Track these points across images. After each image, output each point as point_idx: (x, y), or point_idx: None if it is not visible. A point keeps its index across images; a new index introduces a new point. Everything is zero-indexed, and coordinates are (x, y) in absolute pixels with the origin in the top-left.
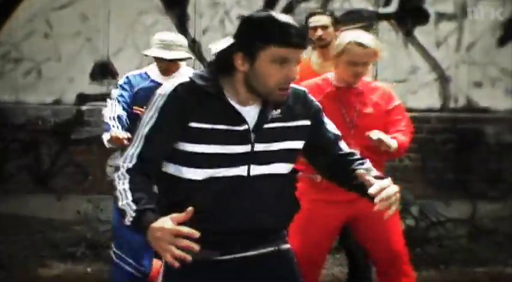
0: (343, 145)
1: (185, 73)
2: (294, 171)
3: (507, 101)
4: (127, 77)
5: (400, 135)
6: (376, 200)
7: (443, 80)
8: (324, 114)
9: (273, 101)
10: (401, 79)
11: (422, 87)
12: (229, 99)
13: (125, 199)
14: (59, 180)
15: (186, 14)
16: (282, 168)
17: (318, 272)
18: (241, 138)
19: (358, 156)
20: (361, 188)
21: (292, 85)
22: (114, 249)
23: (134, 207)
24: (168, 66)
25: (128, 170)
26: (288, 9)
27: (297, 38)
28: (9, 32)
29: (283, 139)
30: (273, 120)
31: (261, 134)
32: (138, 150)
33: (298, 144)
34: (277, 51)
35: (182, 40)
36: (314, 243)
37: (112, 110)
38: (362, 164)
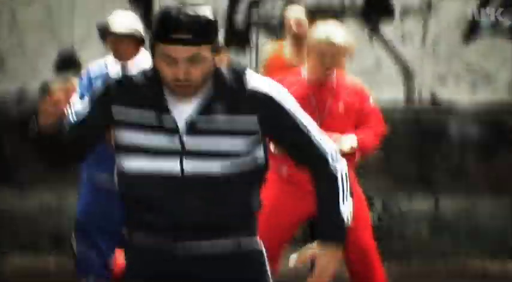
0: (307, 150)
1: (142, 59)
2: (247, 171)
3: (471, 96)
4: (87, 69)
5: (364, 134)
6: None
7: (407, 74)
8: (293, 117)
9: (177, 93)
10: (366, 73)
11: (386, 82)
12: (168, 91)
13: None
14: (23, 172)
15: (151, 6)
16: (219, 166)
17: (275, 262)
18: (168, 130)
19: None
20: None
21: (257, 81)
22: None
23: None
24: (116, 45)
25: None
26: (254, 3)
27: (174, 32)
28: None
29: (222, 134)
30: (214, 113)
31: (193, 126)
32: (68, 123)
33: (242, 141)
34: (159, 48)
35: (137, 22)
36: (276, 231)
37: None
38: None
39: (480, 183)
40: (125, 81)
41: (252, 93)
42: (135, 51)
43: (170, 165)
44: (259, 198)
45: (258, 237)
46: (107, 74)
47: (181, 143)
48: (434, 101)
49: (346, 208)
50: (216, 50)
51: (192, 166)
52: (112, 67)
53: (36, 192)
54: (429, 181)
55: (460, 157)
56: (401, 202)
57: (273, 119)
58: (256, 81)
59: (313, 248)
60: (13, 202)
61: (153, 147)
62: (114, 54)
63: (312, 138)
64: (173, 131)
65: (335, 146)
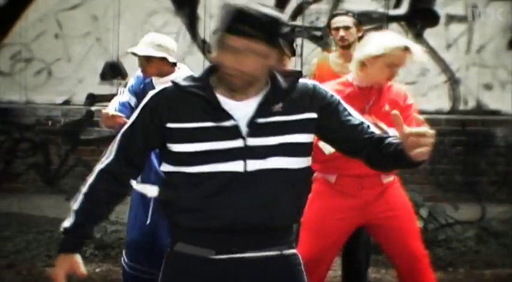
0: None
1: (180, 75)
2: (304, 168)
3: None
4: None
5: None
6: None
7: (453, 82)
8: (343, 106)
9: (231, 86)
10: (411, 81)
11: (431, 90)
12: (219, 95)
13: (75, 205)
14: (68, 180)
15: (196, 14)
16: (284, 162)
17: (325, 273)
18: (230, 133)
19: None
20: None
21: (302, 80)
22: (125, 260)
23: (68, 224)
24: (143, 66)
25: (100, 170)
26: (299, 11)
27: (237, 24)
28: (20, 32)
29: (283, 133)
30: (273, 114)
31: (256, 128)
32: (116, 145)
33: (303, 138)
34: (223, 37)
35: (166, 42)
36: (324, 245)
37: (119, 97)
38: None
39: None
40: (173, 93)
41: (301, 91)
42: (164, 69)
43: (234, 166)
44: (304, 208)
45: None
46: (151, 82)
47: (245, 144)
48: (480, 108)
49: None
50: (282, 52)
51: (254, 165)
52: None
53: None
54: (475, 189)
55: (506, 165)
56: (448, 211)
57: (330, 110)
58: (306, 81)
59: None
60: (59, 210)
61: (214, 150)
62: (143, 73)
63: (364, 121)
64: (236, 134)
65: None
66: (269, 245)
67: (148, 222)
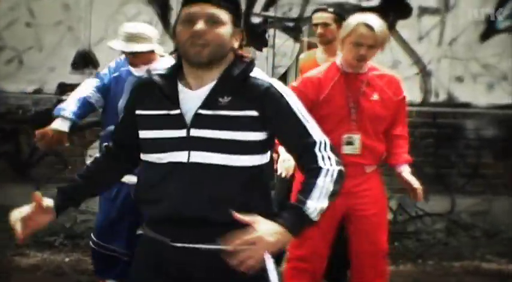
0: (308, 155)
1: (161, 65)
2: (251, 166)
3: (488, 97)
4: (116, 60)
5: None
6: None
7: (424, 74)
8: (290, 110)
9: (190, 60)
10: None
11: (403, 81)
12: (180, 85)
13: (78, 172)
14: (39, 170)
15: (169, 4)
16: (224, 159)
17: (324, 264)
18: (176, 122)
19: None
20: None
21: (260, 77)
22: (94, 238)
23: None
24: (131, 60)
25: (105, 146)
26: (271, 1)
27: None
28: None
29: (226, 128)
30: (219, 107)
31: (200, 119)
32: (114, 129)
33: (246, 136)
34: (183, 11)
35: (148, 32)
36: (312, 236)
37: (82, 89)
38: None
39: (496, 184)
40: (145, 82)
41: (253, 87)
42: (151, 58)
43: (179, 156)
44: (266, 200)
45: None
46: (128, 70)
47: (188, 135)
48: (451, 101)
49: (316, 205)
50: (237, 26)
51: (197, 157)
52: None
53: (51, 190)
54: (445, 182)
55: (476, 157)
56: (418, 203)
57: (273, 112)
58: (259, 75)
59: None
60: (29, 199)
61: (165, 139)
62: (130, 65)
63: (308, 129)
64: (181, 124)
65: (326, 138)
66: (223, 240)
67: (116, 202)
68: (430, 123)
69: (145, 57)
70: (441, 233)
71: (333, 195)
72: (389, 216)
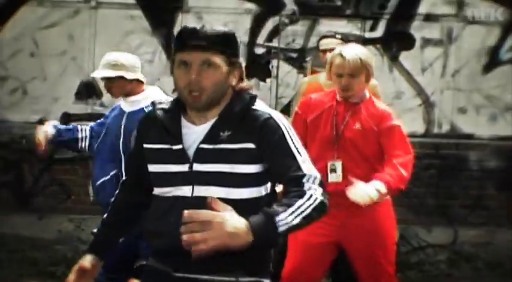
0: (295, 184)
1: (146, 96)
2: (250, 199)
3: (491, 128)
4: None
5: (388, 175)
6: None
7: (427, 105)
8: (284, 143)
9: (189, 106)
10: (386, 104)
11: (406, 112)
12: (184, 119)
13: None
14: (41, 199)
15: (172, 35)
16: (224, 192)
17: None
18: (178, 157)
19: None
20: None
21: (261, 109)
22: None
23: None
24: (106, 87)
25: (122, 181)
26: (275, 32)
27: (189, 40)
28: None
29: (226, 162)
30: (219, 141)
31: (202, 154)
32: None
33: (246, 168)
34: (177, 57)
35: (123, 60)
36: (307, 260)
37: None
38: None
39: (499, 215)
40: (151, 116)
41: (252, 120)
42: (124, 89)
43: (183, 190)
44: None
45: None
46: (118, 105)
47: (191, 169)
48: (454, 132)
49: (287, 220)
50: (233, 64)
51: (200, 191)
52: (121, 104)
53: (54, 220)
54: (448, 213)
55: (478, 189)
56: (420, 234)
57: (268, 140)
58: (259, 106)
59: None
60: (31, 229)
61: (169, 174)
62: (110, 94)
63: (299, 162)
64: (184, 159)
65: (317, 174)
66: (222, 270)
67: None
68: (433, 155)
69: (121, 86)
70: (444, 264)
71: (307, 219)
72: None
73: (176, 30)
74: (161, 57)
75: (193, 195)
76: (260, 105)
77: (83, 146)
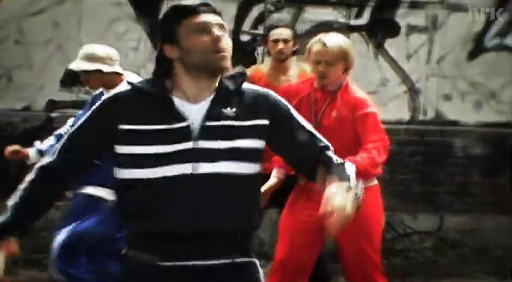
0: (327, 152)
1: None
2: (253, 174)
3: (476, 115)
4: (92, 96)
5: (359, 157)
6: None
7: (412, 92)
8: (295, 117)
9: (215, 66)
10: (371, 91)
11: (391, 100)
12: (176, 98)
13: (13, 199)
14: None
15: (158, 22)
16: (233, 167)
17: (307, 275)
18: (181, 135)
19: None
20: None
21: (255, 88)
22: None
23: (7, 216)
24: (85, 80)
25: (40, 166)
26: (260, 19)
27: (199, 6)
28: None
29: (234, 138)
30: (224, 118)
31: (207, 131)
32: (61, 144)
33: (254, 143)
34: (188, 23)
35: (100, 53)
36: (298, 245)
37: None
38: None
39: (484, 201)
40: (128, 96)
41: (255, 97)
42: (103, 81)
43: (181, 169)
44: (258, 213)
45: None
46: (100, 93)
47: (194, 146)
48: (439, 119)
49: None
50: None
51: (203, 168)
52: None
53: None
54: (433, 200)
55: (464, 176)
56: (406, 220)
57: (282, 120)
58: (250, 86)
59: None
60: None
61: (162, 154)
62: (88, 87)
63: (316, 134)
64: (187, 137)
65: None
66: (218, 253)
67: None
68: (418, 141)
69: (99, 78)
70: (429, 251)
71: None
72: None
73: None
74: (146, 45)
75: (196, 172)
76: (249, 85)
77: None
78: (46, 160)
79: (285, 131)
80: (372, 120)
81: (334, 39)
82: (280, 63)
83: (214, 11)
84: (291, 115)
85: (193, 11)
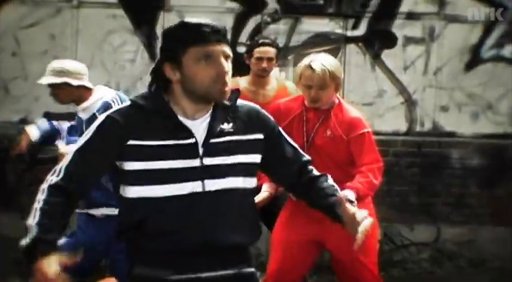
0: (309, 166)
1: (97, 98)
2: (253, 188)
3: (473, 126)
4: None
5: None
6: (357, 233)
7: (409, 103)
8: (282, 133)
9: (214, 98)
10: (368, 102)
11: (388, 111)
12: (179, 114)
13: (33, 219)
14: (24, 199)
15: (155, 34)
16: (239, 182)
17: None
18: (189, 152)
19: (329, 179)
20: (332, 210)
21: (244, 102)
22: None
23: (35, 233)
24: (53, 93)
25: (50, 186)
26: (257, 31)
27: (211, 34)
28: None
29: (235, 153)
30: (224, 134)
31: (211, 148)
32: (66, 164)
33: (253, 158)
34: (196, 51)
35: (70, 67)
36: (291, 258)
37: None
38: (335, 189)
39: (482, 213)
40: (131, 112)
41: (247, 112)
42: (72, 95)
43: (191, 186)
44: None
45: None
46: (77, 115)
47: (202, 164)
48: (436, 130)
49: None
50: None
51: (212, 185)
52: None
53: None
54: (430, 211)
55: (461, 187)
56: (403, 232)
57: (273, 135)
58: (240, 101)
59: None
60: (14, 229)
61: (173, 168)
62: (56, 101)
63: (297, 149)
64: (194, 153)
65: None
66: (228, 264)
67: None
68: (415, 153)
69: (67, 92)
70: (426, 262)
71: None
72: None
73: (158, 29)
74: (143, 56)
75: (205, 189)
76: (239, 100)
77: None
78: (53, 179)
79: (276, 146)
80: (367, 140)
81: (321, 64)
82: (260, 78)
83: (224, 36)
84: (279, 130)
85: (203, 39)
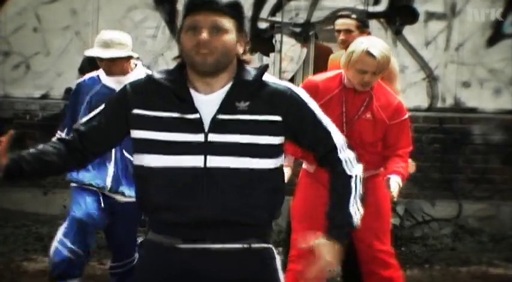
0: (335, 155)
1: (139, 74)
2: (269, 169)
3: (494, 102)
4: (77, 84)
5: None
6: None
7: (431, 79)
8: (312, 112)
9: (196, 68)
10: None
11: (410, 87)
12: (191, 88)
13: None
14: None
15: (176, 9)
16: (244, 162)
17: None
18: (193, 127)
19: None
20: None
21: (276, 82)
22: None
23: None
24: (108, 67)
25: (58, 138)
26: (278, 7)
27: (200, 4)
28: None
29: (246, 132)
30: (238, 112)
31: (219, 124)
32: (77, 127)
33: (268, 140)
34: (187, 21)
35: (123, 39)
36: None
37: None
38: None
39: (504, 188)
40: (146, 82)
41: (272, 92)
42: (128, 67)
43: (193, 160)
44: (279, 206)
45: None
46: (103, 85)
47: (206, 139)
48: (458, 106)
49: (354, 210)
50: (242, 33)
51: (214, 161)
52: (109, 84)
53: (59, 195)
54: (452, 187)
55: (483, 163)
56: (425, 208)
57: (297, 116)
58: (272, 79)
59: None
60: (36, 205)
61: (176, 141)
62: (106, 73)
63: (330, 132)
64: (199, 128)
65: (343, 138)
66: (236, 238)
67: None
68: (436, 129)
69: (122, 65)
70: (448, 238)
71: (362, 196)
72: (396, 221)
73: (179, 5)
74: (164, 32)
75: (206, 165)
76: (271, 78)
77: None
78: (61, 135)
79: (299, 130)
80: (407, 127)
81: (380, 50)
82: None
83: (219, 6)
84: (308, 114)
85: (192, 8)
